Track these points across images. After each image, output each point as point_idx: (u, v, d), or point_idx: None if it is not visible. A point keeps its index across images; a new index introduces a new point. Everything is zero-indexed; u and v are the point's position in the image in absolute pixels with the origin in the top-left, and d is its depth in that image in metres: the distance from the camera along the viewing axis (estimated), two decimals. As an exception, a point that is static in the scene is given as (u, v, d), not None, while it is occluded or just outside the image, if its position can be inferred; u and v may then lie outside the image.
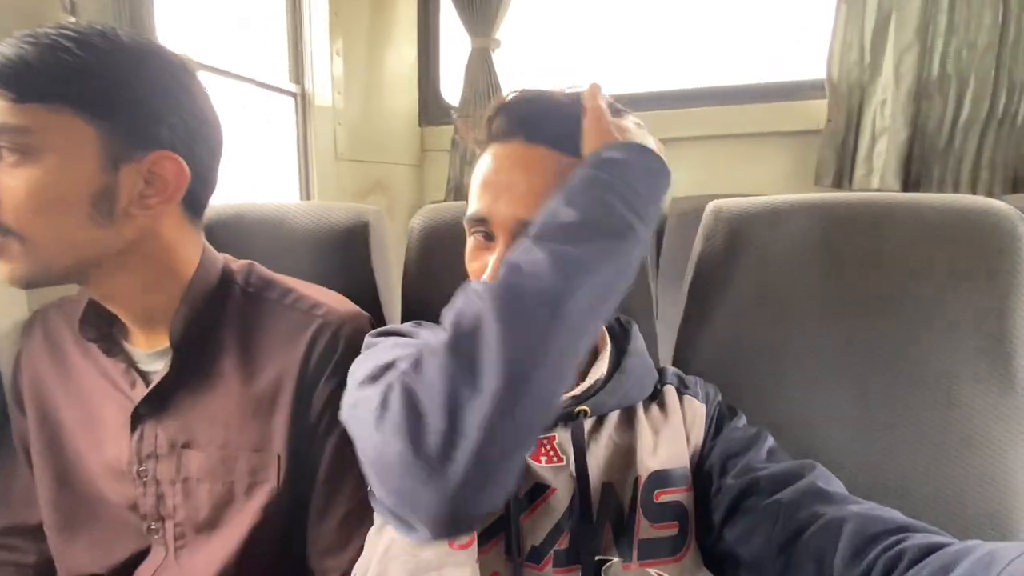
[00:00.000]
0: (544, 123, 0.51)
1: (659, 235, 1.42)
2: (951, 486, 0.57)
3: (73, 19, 0.68)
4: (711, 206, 0.67)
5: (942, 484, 0.57)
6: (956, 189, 1.21)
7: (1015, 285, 0.56)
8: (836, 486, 0.46)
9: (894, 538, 0.38)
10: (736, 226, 0.65)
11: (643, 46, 1.69)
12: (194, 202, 0.57)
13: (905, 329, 0.58)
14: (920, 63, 1.19)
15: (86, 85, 0.47)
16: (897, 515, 0.41)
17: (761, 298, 0.63)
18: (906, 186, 1.25)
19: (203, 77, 0.56)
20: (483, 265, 0.50)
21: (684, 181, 1.52)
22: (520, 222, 0.48)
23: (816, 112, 1.39)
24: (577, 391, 0.52)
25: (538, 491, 0.49)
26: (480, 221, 0.50)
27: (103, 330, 0.58)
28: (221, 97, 0.56)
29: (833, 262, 0.61)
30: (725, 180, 1.47)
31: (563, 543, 0.48)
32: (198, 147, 0.54)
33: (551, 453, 0.51)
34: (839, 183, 1.34)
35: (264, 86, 1.29)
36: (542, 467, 0.50)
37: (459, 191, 1.60)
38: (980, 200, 0.60)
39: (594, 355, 0.56)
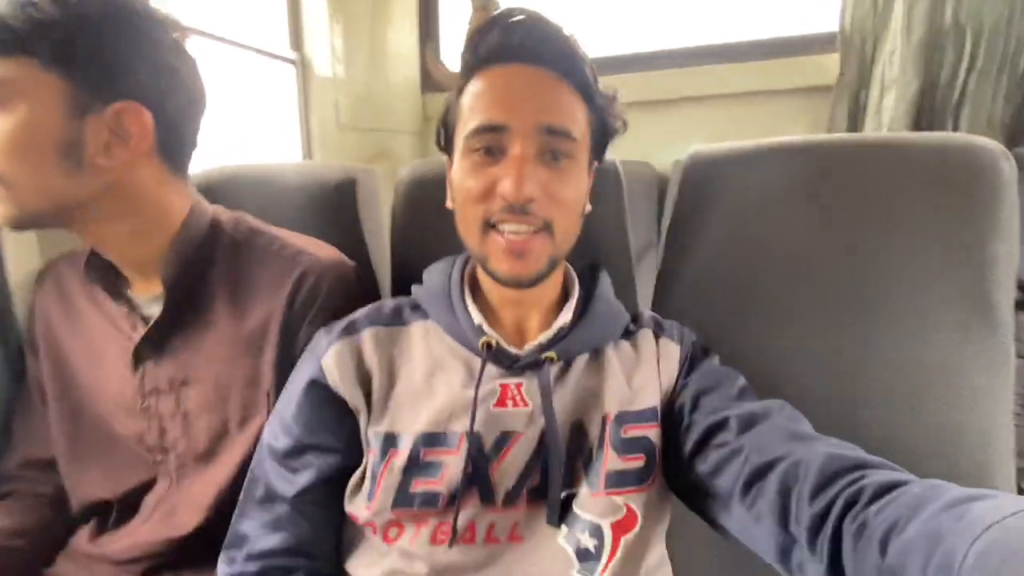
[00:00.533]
0: (547, 47, 0.49)
1: (661, 195, 1.41)
2: (927, 430, 0.57)
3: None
4: (690, 152, 0.67)
5: (917, 427, 0.57)
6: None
7: (996, 221, 0.55)
8: (803, 425, 0.47)
9: (855, 475, 0.39)
10: (713, 171, 0.65)
11: (648, 4, 1.65)
12: (172, 154, 0.59)
13: (884, 270, 0.58)
14: (932, 11, 1.13)
15: (52, 38, 0.49)
16: (859, 452, 0.42)
17: (737, 241, 0.64)
18: None
19: (203, 43, 0.58)
20: (486, 181, 0.49)
21: (694, 141, 1.50)
22: (544, 127, 0.48)
23: (827, 67, 1.35)
24: (543, 338, 0.54)
25: (504, 439, 0.51)
26: (491, 130, 0.48)
27: (105, 275, 0.62)
28: (223, 64, 0.58)
29: (811, 203, 0.61)
30: (734, 140, 1.43)
31: (535, 480, 0.50)
32: (168, 100, 0.56)
33: (517, 398, 0.52)
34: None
35: (264, 53, 1.30)
36: (508, 411, 0.51)
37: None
38: (962, 137, 0.58)
39: (561, 302, 0.57)
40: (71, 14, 0.50)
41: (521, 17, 0.49)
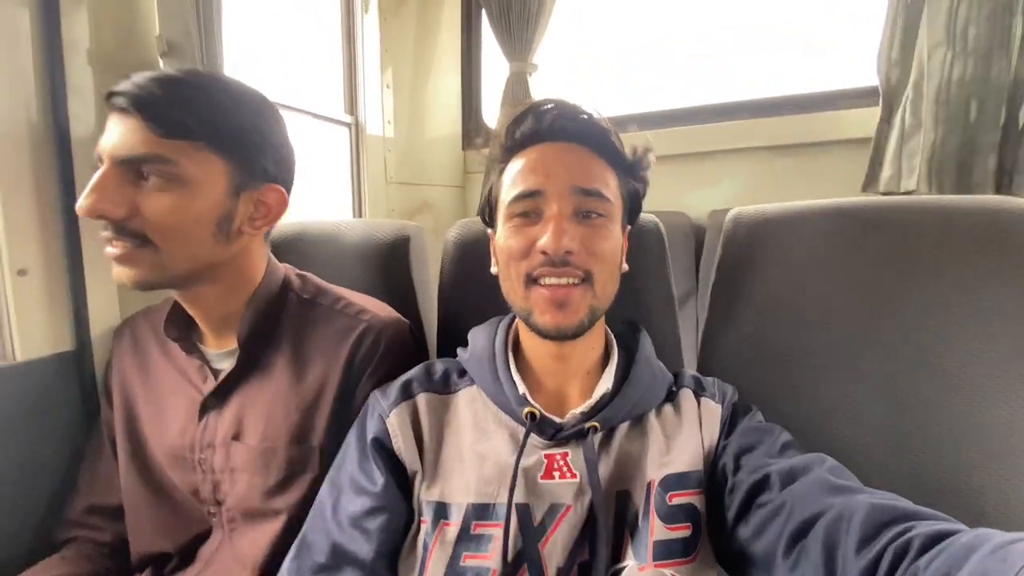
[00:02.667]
0: (574, 125, 0.54)
1: (698, 245, 1.41)
2: (987, 487, 0.54)
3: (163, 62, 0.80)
4: (732, 212, 0.68)
5: (977, 485, 0.55)
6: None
7: None
8: (847, 478, 0.46)
9: (903, 526, 0.37)
10: (756, 231, 0.65)
11: (679, 62, 1.71)
12: None
13: (935, 332, 0.57)
14: (951, 62, 1.13)
15: (220, 126, 0.56)
16: (904, 502, 0.40)
17: (782, 301, 0.63)
18: (940, 190, 1.18)
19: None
20: (527, 240, 0.52)
21: (730, 193, 1.51)
22: (578, 188, 0.51)
23: (860, 120, 1.35)
24: (585, 407, 0.54)
25: (553, 513, 0.50)
26: (529, 195, 0.52)
27: (183, 332, 0.66)
28: (289, 127, 0.65)
29: (857, 264, 0.61)
30: (770, 193, 1.44)
31: (584, 555, 0.49)
32: (287, 176, 0.64)
33: (564, 470, 0.52)
34: (895, 189, 1.28)
35: (322, 118, 1.41)
36: (555, 483, 0.51)
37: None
38: (1007, 200, 0.58)
39: (601, 365, 0.58)
40: (231, 104, 0.58)
41: (551, 105, 0.55)
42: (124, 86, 0.54)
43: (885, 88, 1.23)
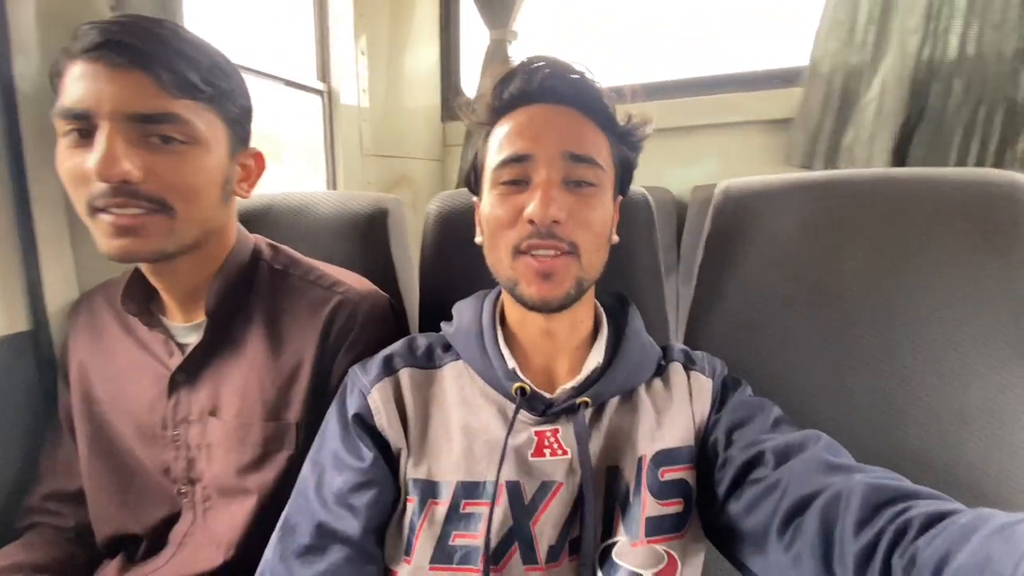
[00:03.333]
0: (566, 86, 0.52)
1: (679, 221, 1.41)
2: (966, 462, 0.56)
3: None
4: (722, 185, 0.68)
5: (956, 460, 0.56)
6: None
7: None
8: (843, 456, 0.45)
9: (901, 506, 0.37)
10: (746, 204, 0.65)
11: (660, 34, 1.68)
12: None
13: (917, 303, 0.57)
14: (928, 44, 1.14)
15: (220, 87, 0.55)
16: (904, 482, 0.40)
17: (771, 275, 0.63)
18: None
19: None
20: (514, 209, 0.50)
21: (712, 169, 1.51)
22: (568, 154, 0.49)
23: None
24: (575, 382, 0.53)
25: (544, 491, 0.50)
26: (517, 160, 0.50)
27: (142, 305, 0.62)
28: (256, 94, 0.63)
29: (845, 238, 0.61)
30: (755, 168, 1.44)
31: (575, 531, 0.49)
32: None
33: (555, 446, 0.51)
34: (809, 165, 1.31)
35: (293, 84, 1.34)
36: (546, 460, 0.50)
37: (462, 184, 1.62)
38: (994, 173, 0.58)
39: (590, 339, 0.57)
40: (224, 65, 0.57)
41: (541, 63, 0.52)
42: (108, 34, 0.49)
43: (816, 67, 1.24)
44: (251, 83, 0.62)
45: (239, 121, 0.59)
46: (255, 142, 0.63)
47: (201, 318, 0.61)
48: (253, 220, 0.77)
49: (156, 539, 0.63)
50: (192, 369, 0.61)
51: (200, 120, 0.54)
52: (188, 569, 0.59)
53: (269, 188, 0.85)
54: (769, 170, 0.68)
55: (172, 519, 0.63)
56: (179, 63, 0.51)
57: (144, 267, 0.60)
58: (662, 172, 1.51)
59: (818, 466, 0.43)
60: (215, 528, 0.60)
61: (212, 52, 0.56)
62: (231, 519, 0.59)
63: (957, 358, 0.56)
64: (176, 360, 0.61)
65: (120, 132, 0.50)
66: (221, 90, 0.55)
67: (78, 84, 0.50)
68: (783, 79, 1.45)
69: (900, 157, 1.19)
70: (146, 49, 0.50)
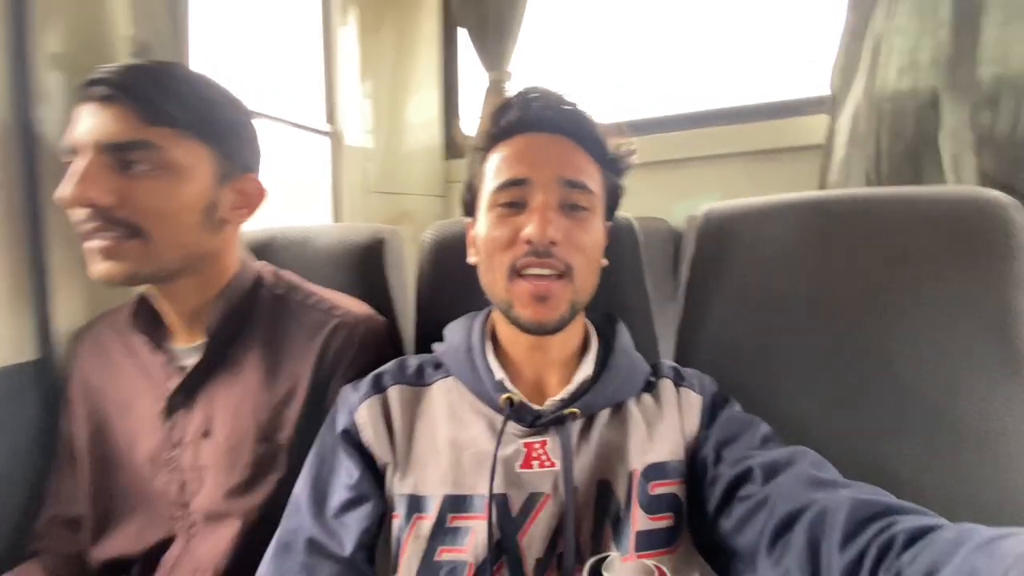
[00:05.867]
0: (560, 116, 0.54)
1: (678, 251, 1.43)
2: (960, 477, 0.55)
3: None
4: (704, 209, 0.70)
5: (951, 476, 0.55)
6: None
7: (1013, 272, 0.55)
8: (829, 472, 0.46)
9: (885, 521, 0.37)
10: (728, 226, 0.67)
11: (653, 70, 1.75)
12: None
13: (902, 321, 0.58)
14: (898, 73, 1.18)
15: (203, 115, 0.57)
16: (889, 498, 0.41)
17: (754, 296, 0.64)
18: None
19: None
20: (511, 230, 0.52)
21: (705, 197, 1.53)
22: (564, 180, 0.52)
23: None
24: (564, 393, 0.54)
25: (531, 503, 0.50)
26: (515, 184, 0.52)
27: (149, 326, 0.65)
28: (267, 137, 0.66)
29: (825, 258, 0.62)
30: (743, 195, 1.47)
31: (564, 544, 0.49)
32: (258, 168, 0.65)
33: (543, 458, 0.51)
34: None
35: (302, 127, 1.41)
36: (533, 472, 0.50)
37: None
38: (971, 189, 0.60)
39: (579, 355, 0.58)
40: (214, 96, 0.59)
41: (537, 94, 0.55)
42: (103, 74, 0.54)
43: (834, 95, 1.27)
44: (264, 126, 0.66)
45: (230, 148, 0.60)
46: (266, 181, 0.66)
47: (201, 340, 0.63)
48: (256, 251, 0.79)
49: (149, 564, 0.62)
50: (189, 391, 0.62)
51: (177, 147, 0.55)
52: (175, 596, 0.59)
53: (276, 222, 0.89)
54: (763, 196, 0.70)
55: (167, 543, 0.63)
56: (157, 94, 0.54)
57: (149, 290, 0.63)
58: (660, 204, 1.54)
59: (805, 482, 0.44)
60: (200, 554, 0.60)
61: (202, 85, 0.59)
62: (214, 545, 0.59)
63: (946, 373, 0.56)
64: (175, 383, 0.62)
65: (97, 161, 0.53)
66: (205, 119, 0.57)
67: (75, 123, 0.55)
68: (775, 111, 1.50)
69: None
70: (127, 82, 0.54)
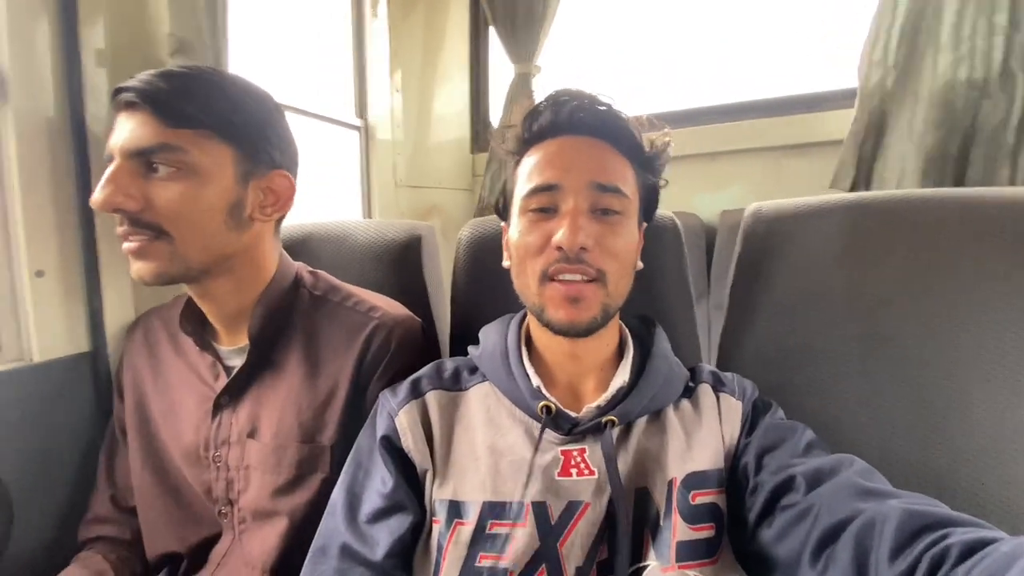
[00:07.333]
0: (593, 118, 0.54)
1: (709, 247, 1.40)
2: (1022, 488, 0.53)
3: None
4: (751, 207, 0.68)
5: (1012, 486, 0.53)
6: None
7: None
8: (878, 481, 0.44)
9: (938, 533, 0.35)
10: (776, 227, 0.65)
11: (681, 63, 1.71)
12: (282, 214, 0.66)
13: (962, 322, 0.56)
14: (959, 64, 1.13)
15: (225, 115, 0.57)
16: (942, 508, 0.39)
17: (803, 297, 0.63)
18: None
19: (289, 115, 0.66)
20: (542, 236, 0.51)
21: (740, 194, 1.51)
22: (595, 184, 0.51)
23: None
24: (601, 400, 0.53)
25: (571, 511, 0.49)
26: (546, 190, 0.51)
27: (196, 328, 0.66)
28: (299, 130, 0.66)
29: (880, 259, 0.60)
30: (781, 193, 1.42)
31: (603, 554, 0.48)
32: (292, 165, 0.64)
33: (582, 466, 0.51)
34: (855, 189, 1.27)
35: (333, 121, 1.42)
36: (572, 480, 0.50)
37: (485, 210, 1.67)
38: None
39: (616, 360, 0.57)
40: (236, 96, 0.59)
41: (569, 97, 0.54)
42: (130, 83, 0.55)
43: (864, 88, 1.22)
44: (297, 121, 0.65)
45: (254, 146, 0.59)
46: (300, 174, 0.66)
47: (245, 342, 0.64)
48: (293, 247, 0.81)
49: (196, 558, 0.65)
50: (235, 392, 0.63)
51: (198, 149, 0.56)
52: (225, 589, 0.60)
53: (310, 218, 0.90)
54: (794, 193, 0.68)
55: (213, 539, 0.64)
56: (177, 97, 0.55)
57: (189, 291, 0.64)
58: (690, 198, 1.51)
59: (851, 491, 0.42)
60: (250, 550, 0.61)
61: (225, 85, 0.58)
62: (264, 541, 0.61)
63: (1004, 376, 0.54)
64: (221, 383, 0.64)
65: (124, 167, 0.55)
66: (227, 118, 0.57)
67: (113, 130, 0.56)
68: (807, 104, 1.45)
69: (939, 179, 1.17)
70: (148, 88, 0.54)
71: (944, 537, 0.35)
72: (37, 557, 0.67)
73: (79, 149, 0.70)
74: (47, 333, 0.69)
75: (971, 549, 0.33)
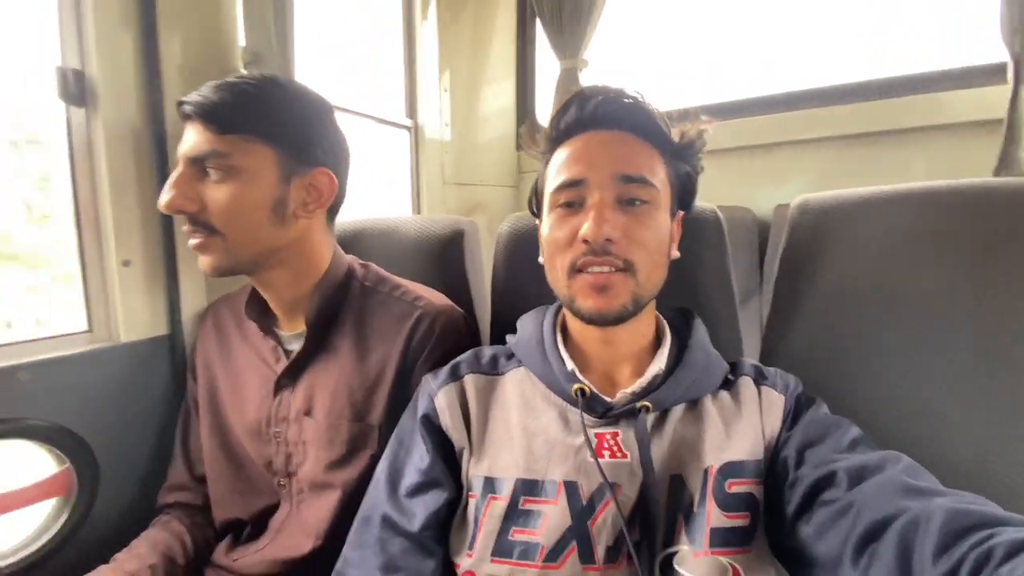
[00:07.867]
0: (618, 111, 0.54)
1: (763, 242, 1.35)
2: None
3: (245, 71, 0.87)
4: (798, 199, 0.66)
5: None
6: None
7: None
8: (925, 479, 0.42)
9: (985, 532, 0.34)
10: (823, 219, 0.62)
11: (732, 53, 1.65)
12: (332, 210, 0.71)
13: (1018, 318, 0.52)
14: None
15: (268, 119, 0.62)
16: (991, 507, 0.37)
17: (850, 292, 0.60)
18: None
19: (337, 115, 0.70)
20: (570, 230, 0.52)
21: (799, 187, 1.43)
22: (620, 176, 0.52)
23: (953, 103, 1.25)
24: (636, 387, 0.54)
25: (602, 492, 0.50)
26: (573, 184, 0.53)
27: (260, 315, 0.72)
28: (353, 130, 0.70)
29: (931, 253, 0.57)
30: (845, 186, 1.35)
31: (635, 534, 0.49)
32: (340, 166, 0.69)
33: (615, 448, 0.51)
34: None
35: (385, 122, 1.48)
36: (605, 462, 0.51)
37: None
38: None
39: (653, 350, 0.57)
40: (279, 100, 0.63)
41: (595, 92, 0.55)
42: (189, 96, 0.61)
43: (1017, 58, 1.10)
44: (353, 123, 0.69)
45: (297, 146, 0.63)
46: (356, 173, 0.70)
47: (302, 328, 0.69)
48: (347, 241, 0.86)
49: (258, 525, 0.71)
50: (294, 373, 0.69)
51: (242, 152, 0.60)
52: (282, 553, 0.66)
53: (364, 214, 0.95)
54: (855, 185, 0.65)
55: (272, 508, 0.70)
56: (225, 106, 0.60)
57: (252, 282, 0.70)
58: (745, 191, 1.46)
59: (895, 488, 0.41)
60: (306, 518, 0.67)
61: (272, 89, 0.62)
62: (319, 511, 0.66)
63: None
64: (282, 365, 0.69)
65: (184, 173, 0.61)
66: (270, 121, 0.61)
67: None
68: (860, 93, 1.36)
69: None
70: (201, 99, 0.60)
71: (990, 536, 0.34)
72: (122, 518, 0.75)
73: (159, 154, 0.78)
74: (132, 317, 0.77)
75: (1017, 549, 0.32)
